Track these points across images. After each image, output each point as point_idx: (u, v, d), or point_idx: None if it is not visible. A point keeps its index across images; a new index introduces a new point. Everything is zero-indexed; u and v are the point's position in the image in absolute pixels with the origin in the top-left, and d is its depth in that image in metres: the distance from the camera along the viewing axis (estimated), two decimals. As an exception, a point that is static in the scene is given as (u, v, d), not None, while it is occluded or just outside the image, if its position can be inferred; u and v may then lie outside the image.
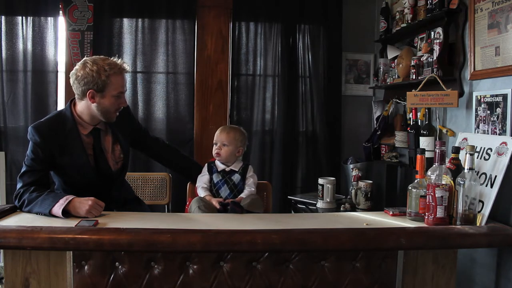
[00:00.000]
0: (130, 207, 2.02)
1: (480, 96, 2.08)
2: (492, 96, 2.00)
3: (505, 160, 1.73)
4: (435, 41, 2.37)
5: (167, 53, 3.20)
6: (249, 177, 2.08)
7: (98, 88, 1.84)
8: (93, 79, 1.83)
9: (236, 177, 2.05)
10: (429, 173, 1.77)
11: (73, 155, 1.88)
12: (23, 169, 1.85)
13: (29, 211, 1.75)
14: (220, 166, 2.09)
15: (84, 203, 1.70)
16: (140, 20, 3.16)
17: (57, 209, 1.67)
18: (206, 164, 2.13)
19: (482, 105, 2.06)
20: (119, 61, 1.91)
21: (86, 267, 1.53)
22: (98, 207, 1.73)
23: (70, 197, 1.71)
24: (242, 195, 2.01)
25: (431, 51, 2.41)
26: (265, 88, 3.30)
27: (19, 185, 1.83)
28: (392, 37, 3.01)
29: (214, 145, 2.09)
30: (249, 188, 2.04)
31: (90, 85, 1.84)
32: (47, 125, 1.88)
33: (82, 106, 1.91)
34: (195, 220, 1.77)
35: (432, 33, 2.48)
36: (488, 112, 2.02)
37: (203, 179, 2.08)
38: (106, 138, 2.01)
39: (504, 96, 1.91)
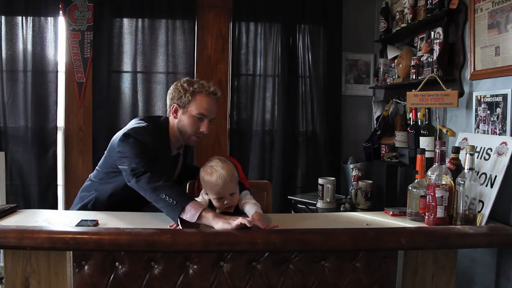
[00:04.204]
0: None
1: (480, 96, 2.08)
2: (492, 96, 2.00)
3: (505, 160, 1.73)
4: (435, 41, 2.37)
5: (167, 53, 3.20)
6: (245, 200, 1.80)
7: (181, 103, 1.86)
8: (179, 94, 1.87)
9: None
10: (429, 173, 1.77)
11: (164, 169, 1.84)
12: (144, 162, 1.70)
13: (157, 194, 1.61)
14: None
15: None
16: (140, 20, 3.16)
17: (194, 212, 1.55)
18: (202, 192, 1.84)
19: (482, 105, 2.06)
20: (213, 86, 1.90)
21: (86, 267, 1.53)
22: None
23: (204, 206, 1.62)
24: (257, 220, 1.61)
25: (431, 51, 2.41)
26: (265, 88, 3.30)
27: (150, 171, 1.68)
28: (392, 37, 3.01)
29: (217, 200, 1.74)
30: (254, 206, 1.75)
31: (175, 99, 1.88)
32: (151, 132, 1.85)
33: (170, 124, 1.92)
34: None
35: (432, 33, 2.48)
36: (488, 112, 2.02)
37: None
38: (178, 164, 2.05)
39: (504, 96, 1.91)
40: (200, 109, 1.85)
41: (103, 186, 1.93)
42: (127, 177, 1.72)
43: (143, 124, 1.86)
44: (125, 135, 1.80)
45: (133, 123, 1.91)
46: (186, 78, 1.96)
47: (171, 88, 1.92)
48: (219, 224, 1.53)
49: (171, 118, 1.92)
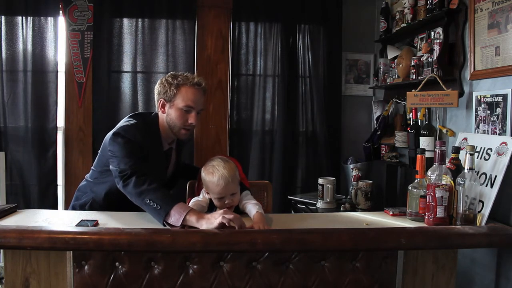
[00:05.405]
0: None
1: (480, 96, 2.08)
2: (492, 96, 2.00)
3: (505, 160, 1.73)
4: (435, 41, 2.37)
5: (167, 53, 3.20)
6: (246, 200, 1.82)
7: (167, 97, 1.86)
8: (164, 88, 1.86)
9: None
10: (429, 173, 1.77)
11: (155, 165, 1.84)
12: (133, 163, 1.71)
13: (142, 199, 1.63)
14: None
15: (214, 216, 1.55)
16: (140, 20, 3.16)
17: (178, 217, 1.56)
18: (203, 191, 1.86)
19: (482, 105, 2.06)
20: (197, 77, 1.90)
21: (86, 267, 1.53)
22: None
23: (190, 207, 1.63)
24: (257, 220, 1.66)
25: (431, 51, 2.41)
26: (265, 88, 3.30)
27: (134, 169, 1.69)
28: (392, 37, 3.01)
29: (218, 200, 1.76)
30: (256, 206, 1.76)
31: (161, 94, 1.88)
32: (140, 129, 1.84)
33: (160, 120, 1.92)
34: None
35: (432, 33, 2.48)
36: (488, 112, 2.02)
37: (200, 203, 1.82)
38: (171, 159, 2.03)
39: (504, 96, 1.91)
40: (186, 101, 1.85)
41: (99, 186, 1.93)
42: (116, 179, 1.73)
43: (132, 122, 1.86)
44: (114, 134, 1.81)
45: (123, 121, 1.91)
46: (171, 72, 1.94)
47: (157, 83, 1.92)
48: (203, 226, 1.54)
49: (160, 113, 1.92)
